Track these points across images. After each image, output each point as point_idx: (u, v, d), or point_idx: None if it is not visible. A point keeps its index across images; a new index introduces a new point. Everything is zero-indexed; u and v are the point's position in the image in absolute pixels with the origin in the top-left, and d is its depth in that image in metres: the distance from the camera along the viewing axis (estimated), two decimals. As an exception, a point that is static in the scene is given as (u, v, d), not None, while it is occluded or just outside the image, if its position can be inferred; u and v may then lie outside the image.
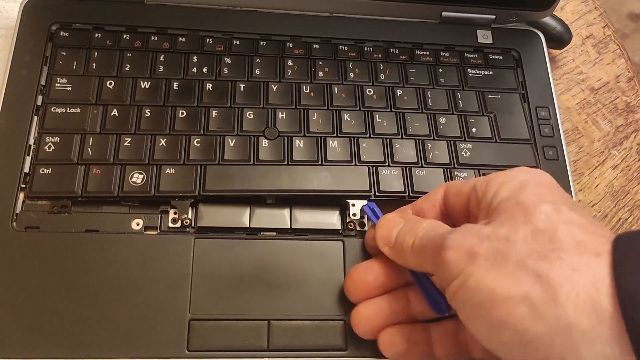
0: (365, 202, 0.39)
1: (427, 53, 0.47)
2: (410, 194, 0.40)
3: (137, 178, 0.38)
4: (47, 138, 0.39)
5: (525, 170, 0.31)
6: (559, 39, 0.51)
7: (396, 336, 0.34)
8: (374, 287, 0.35)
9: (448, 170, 0.42)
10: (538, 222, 0.27)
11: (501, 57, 0.48)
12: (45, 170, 0.38)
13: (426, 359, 0.34)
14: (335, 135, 0.42)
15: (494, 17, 0.48)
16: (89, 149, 0.39)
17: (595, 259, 0.25)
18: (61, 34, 0.43)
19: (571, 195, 0.43)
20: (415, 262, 0.32)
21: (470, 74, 0.46)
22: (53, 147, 0.39)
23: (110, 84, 0.41)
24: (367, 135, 0.42)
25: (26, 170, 0.38)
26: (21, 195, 0.38)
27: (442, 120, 0.44)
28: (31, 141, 0.39)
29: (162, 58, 0.43)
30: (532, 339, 0.25)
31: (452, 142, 0.43)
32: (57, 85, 0.41)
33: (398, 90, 0.45)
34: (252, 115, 0.42)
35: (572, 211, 0.28)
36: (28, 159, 0.38)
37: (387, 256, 0.35)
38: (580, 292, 0.24)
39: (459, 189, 0.34)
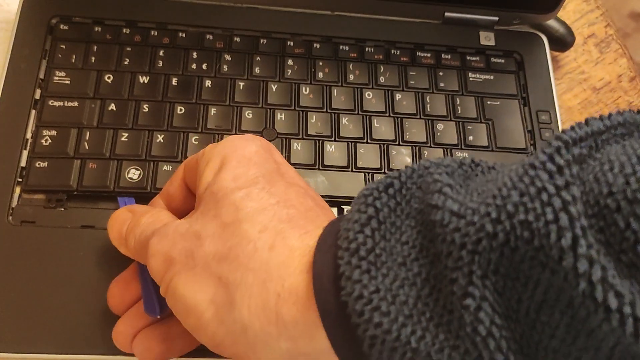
0: None
1: (429, 55, 0.46)
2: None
3: (134, 174, 0.39)
4: (44, 131, 0.39)
5: (230, 142, 0.29)
6: (562, 42, 0.51)
7: (151, 339, 0.31)
8: (136, 299, 0.33)
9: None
10: (225, 216, 0.26)
11: (503, 60, 0.47)
12: (41, 163, 0.38)
13: (188, 346, 0.32)
14: (333, 139, 0.42)
15: (497, 19, 0.48)
16: (85, 143, 0.39)
17: (274, 252, 0.25)
18: (61, 28, 0.42)
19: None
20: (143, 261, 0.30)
21: (471, 78, 0.46)
22: (50, 141, 0.39)
23: (108, 78, 0.41)
24: (365, 141, 0.42)
25: (23, 164, 0.38)
26: (17, 189, 0.38)
27: (440, 127, 0.44)
28: (29, 135, 0.39)
29: (161, 53, 0.43)
30: (220, 342, 0.25)
31: (448, 150, 0.43)
32: (55, 78, 0.41)
33: (397, 94, 0.44)
34: (250, 114, 0.42)
35: (268, 193, 0.27)
36: (25, 153, 0.38)
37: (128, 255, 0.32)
38: (253, 294, 0.24)
39: (192, 164, 0.31)
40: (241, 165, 0.28)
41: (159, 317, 0.31)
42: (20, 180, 0.38)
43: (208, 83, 0.42)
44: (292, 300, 0.24)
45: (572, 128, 0.20)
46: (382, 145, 0.42)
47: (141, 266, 0.32)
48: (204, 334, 0.25)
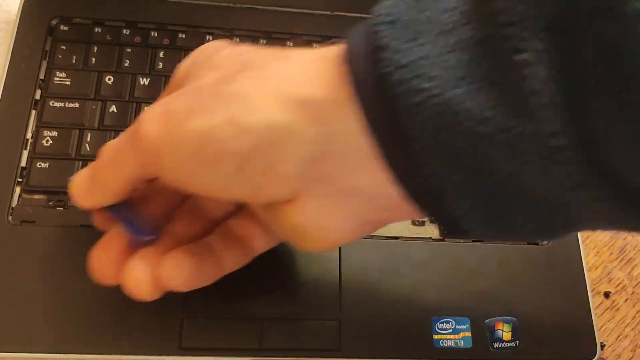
0: None
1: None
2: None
3: (134, 175, 0.38)
4: (45, 132, 0.39)
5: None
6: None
7: (178, 254, 0.28)
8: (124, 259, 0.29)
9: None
10: (219, 61, 0.25)
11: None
12: (42, 164, 0.38)
13: (216, 271, 0.29)
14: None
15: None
16: (86, 144, 0.39)
17: (287, 57, 0.24)
18: (61, 28, 0.43)
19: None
20: (112, 180, 0.27)
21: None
22: (51, 142, 0.39)
23: (109, 79, 0.41)
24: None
25: (23, 164, 0.38)
26: (17, 189, 0.38)
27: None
28: (29, 135, 0.39)
29: (161, 54, 0.43)
30: (246, 156, 0.23)
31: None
32: (56, 79, 0.41)
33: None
34: (250, 114, 0.42)
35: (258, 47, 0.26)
36: (25, 153, 0.38)
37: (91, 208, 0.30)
38: (273, 91, 0.22)
39: None
40: (218, 43, 0.28)
41: (148, 238, 0.28)
42: (20, 180, 0.38)
43: (208, 84, 0.42)
44: (317, 84, 0.22)
45: None
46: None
47: (111, 207, 0.29)
48: (227, 156, 0.23)
